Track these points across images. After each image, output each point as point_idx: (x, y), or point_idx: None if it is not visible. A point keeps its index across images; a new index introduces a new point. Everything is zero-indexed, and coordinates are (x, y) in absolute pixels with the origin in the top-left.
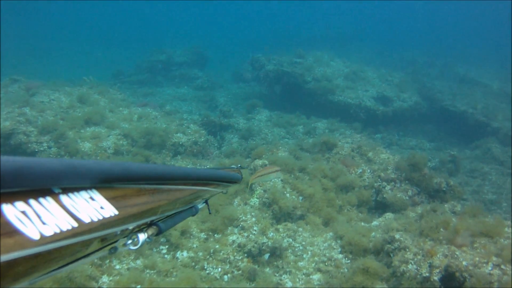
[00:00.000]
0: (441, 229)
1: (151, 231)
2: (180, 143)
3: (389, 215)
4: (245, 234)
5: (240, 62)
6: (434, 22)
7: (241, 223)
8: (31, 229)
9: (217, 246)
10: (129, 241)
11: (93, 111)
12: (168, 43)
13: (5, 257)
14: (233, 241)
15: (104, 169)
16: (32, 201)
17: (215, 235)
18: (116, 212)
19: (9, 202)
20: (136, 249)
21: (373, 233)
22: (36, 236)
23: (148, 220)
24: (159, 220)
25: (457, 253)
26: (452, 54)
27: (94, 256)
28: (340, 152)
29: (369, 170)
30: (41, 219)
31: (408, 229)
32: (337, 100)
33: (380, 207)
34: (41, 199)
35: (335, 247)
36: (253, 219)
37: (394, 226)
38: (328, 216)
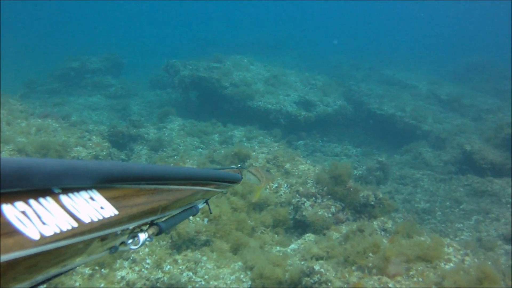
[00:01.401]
0: (370, 254)
1: (151, 230)
2: (79, 157)
3: (309, 237)
4: (136, 269)
5: (157, 69)
6: (359, 25)
7: (132, 255)
8: (31, 229)
9: (102, 285)
10: (130, 241)
11: None
12: (84, 49)
13: (5, 257)
14: (122, 278)
15: (104, 169)
16: (32, 201)
17: (102, 270)
18: (116, 212)
19: (9, 202)
20: (136, 248)
21: (289, 261)
22: (36, 236)
23: (148, 220)
24: (159, 220)
25: (390, 285)
26: (378, 58)
27: (94, 256)
28: (254, 164)
29: (286, 184)
30: (41, 219)
31: (331, 254)
32: (256, 106)
33: (300, 226)
34: (41, 199)
35: (244, 280)
36: (146, 249)
37: (315, 251)
38: (237, 241)
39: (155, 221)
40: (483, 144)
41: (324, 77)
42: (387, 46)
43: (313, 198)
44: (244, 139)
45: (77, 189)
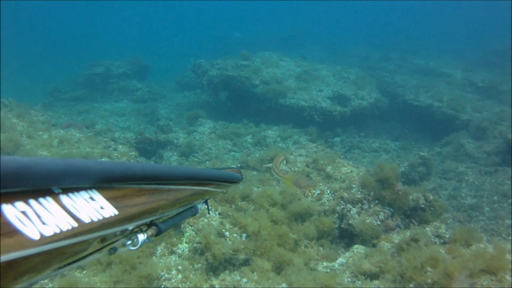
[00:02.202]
0: (428, 269)
1: (150, 231)
2: None
3: (358, 248)
4: None
5: (183, 70)
6: (381, 18)
7: (163, 283)
8: (31, 229)
9: None
10: (129, 242)
11: (6, 139)
12: (106, 54)
13: (5, 257)
14: None
15: (104, 169)
16: (32, 201)
17: None
18: (116, 212)
19: (9, 202)
20: (135, 249)
21: (339, 280)
22: (36, 236)
23: (148, 220)
24: (159, 220)
25: None
26: (406, 48)
27: (94, 256)
28: (292, 169)
29: (329, 191)
30: (41, 219)
31: (384, 269)
32: (289, 103)
33: (346, 235)
34: (41, 199)
35: None
36: (179, 275)
37: (366, 267)
38: (280, 258)
39: (154, 222)
40: None
41: (356, 70)
42: (413, 36)
43: (359, 204)
44: (279, 139)
45: (77, 189)
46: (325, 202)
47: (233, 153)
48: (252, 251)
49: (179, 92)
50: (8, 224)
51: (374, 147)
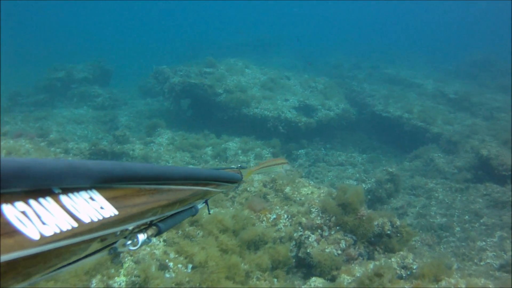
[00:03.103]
0: None
1: (150, 231)
2: None
3: (315, 282)
4: None
5: (147, 75)
6: (358, 25)
7: None
8: (31, 229)
9: None
10: (129, 242)
11: None
12: (68, 56)
13: (5, 257)
14: None
15: (104, 169)
16: (32, 201)
17: None
18: (116, 212)
19: (9, 202)
20: (135, 249)
21: None
22: (36, 236)
23: (148, 220)
24: (159, 220)
25: None
26: (379, 56)
27: (94, 257)
28: (248, 189)
29: (286, 215)
30: (41, 219)
31: None
32: (253, 113)
33: (303, 266)
34: (41, 199)
35: None
36: None
37: None
38: None
39: (155, 222)
40: (500, 148)
41: (325, 78)
42: (387, 45)
43: (319, 231)
44: (240, 151)
45: (77, 189)
46: (281, 228)
47: (191, 166)
48: (197, 285)
49: (142, 99)
50: (8, 224)
51: (340, 160)
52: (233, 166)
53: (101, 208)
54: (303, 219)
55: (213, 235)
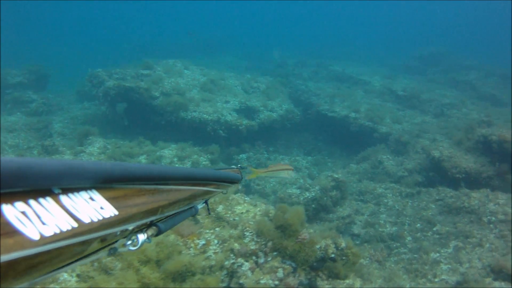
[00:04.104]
0: None
1: (150, 231)
2: None
3: None
4: None
5: (84, 78)
6: (302, 22)
7: None
8: (31, 229)
9: None
10: (129, 242)
11: None
12: (5, 61)
13: (5, 257)
14: None
15: (104, 170)
16: (32, 202)
17: None
18: (116, 212)
19: (9, 202)
20: (135, 249)
21: None
22: (36, 236)
23: (148, 220)
24: (159, 221)
25: None
26: (325, 53)
27: (94, 257)
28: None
29: (216, 240)
30: (41, 220)
31: None
32: (191, 117)
33: None
34: (41, 200)
35: None
36: None
37: None
38: None
39: (155, 222)
40: (453, 149)
41: (268, 78)
42: (334, 42)
43: (254, 257)
44: (176, 159)
45: (77, 189)
46: (211, 256)
47: None
48: None
49: (79, 103)
50: (8, 224)
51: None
52: (233, 166)
53: (101, 208)
54: (236, 244)
55: (133, 267)
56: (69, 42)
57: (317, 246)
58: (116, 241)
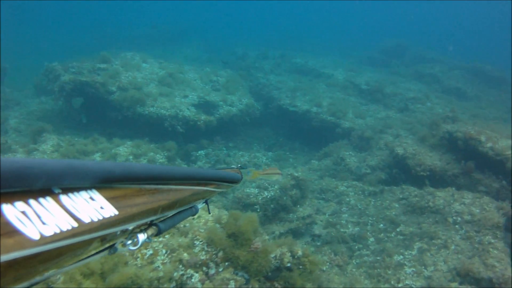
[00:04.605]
0: None
1: (150, 231)
2: None
3: None
4: None
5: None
6: (267, 13)
7: None
8: (31, 229)
9: None
10: (129, 242)
11: None
12: None
13: (5, 257)
14: None
15: (104, 169)
16: (32, 201)
17: None
18: (116, 212)
19: (9, 202)
20: (135, 249)
21: None
22: (36, 236)
23: (148, 220)
24: (159, 220)
25: None
26: (288, 45)
27: (94, 257)
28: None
29: (164, 250)
30: (41, 219)
31: None
32: (148, 113)
33: None
34: (41, 199)
35: None
36: None
37: None
38: None
39: (155, 222)
40: (417, 146)
41: (228, 71)
42: (298, 34)
43: (204, 268)
44: (131, 157)
45: (77, 189)
46: (159, 267)
47: None
48: None
49: (36, 98)
50: (8, 224)
51: (242, 161)
52: (233, 166)
53: (101, 208)
54: (185, 254)
55: (75, 281)
56: (28, 32)
57: (272, 255)
58: (116, 241)
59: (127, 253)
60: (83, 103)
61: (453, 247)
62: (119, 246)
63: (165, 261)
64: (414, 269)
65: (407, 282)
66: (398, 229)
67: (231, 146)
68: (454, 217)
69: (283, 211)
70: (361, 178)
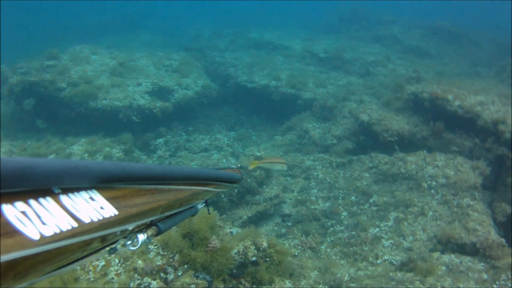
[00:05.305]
0: None
1: (150, 231)
2: None
3: None
4: None
5: None
6: None
7: None
8: (31, 229)
9: None
10: (129, 242)
11: None
12: None
13: (5, 257)
14: None
15: (104, 169)
16: (32, 201)
17: None
18: (116, 212)
19: (9, 202)
20: (135, 249)
21: None
22: (36, 236)
23: (148, 220)
24: (159, 220)
25: None
26: (242, 21)
27: (94, 257)
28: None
29: (117, 260)
30: (41, 219)
31: None
32: (101, 106)
33: None
34: (41, 199)
35: None
36: None
37: None
38: None
39: (155, 222)
40: (382, 111)
41: (181, 53)
42: (252, 9)
43: (162, 274)
44: (86, 155)
45: (77, 189)
46: (113, 278)
47: None
48: None
49: None
50: (8, 224)
51: (204, 145)
52: (233, 166)
53: (101, 208)
54: (139, 261)
55: None
56: None
57: (234, 251)
58: (116, 241)
59: (84, 266)
60: (35, 104)
61: (430, 213)
62: (119, 246)
63: (119, 271)
64: (392, 241)
65: (386, 258)
66: (371, 200)
67: (191, 130)
68: (429, 182)
69: (248, 194)
70: (328, 150)
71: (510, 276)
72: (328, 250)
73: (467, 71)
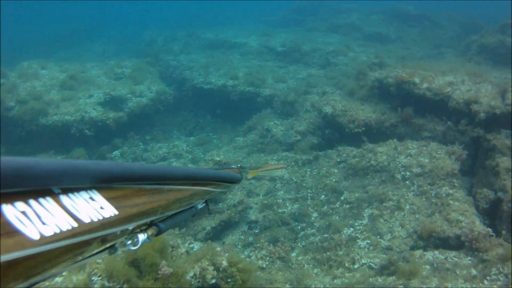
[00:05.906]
0: None
1: (150, 231)
2: None
3: None
4: None
5: None
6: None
7: None
8: (31, 229)
9: None
10: (129, 242)
11: None
12: None
13: (5, 257)
14: None
15: (104, 169)
16: (32, 201)
17: None
18: (116, 212)
19: (9, 202)
20: (135, 249)
21: None
22: (36, 236)
23: (148, 220)
24: (159, 220)
25: None
26: (196, 23)
27: (94, 257)
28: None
29: None
30: (41, 219)
31: None
32: (52, 122)
33: None
34: (41, 200)
35: None
36: None
37: None
38: None
39: (155, 222)
40: (346, 101)
41: (134, 60)
42: (205, 11)
43: None
44: None
45: (77, 189)
46: None
47: None
48: None
49: None
50: (8, 224)
51: (161, 154)
52: (233, 166)
53: (101, 208)
54: None
55: None
56: None
57: (190, 275)
58: (116, 241)
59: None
60: None
61: (407, 207)
62: (119, 246)
63: None
64: (368, 241)
65: (363, 261)
66: (342, 198)
67: (148, 139)
68: (402, 173)
69: (211, 202)
70: (292, 147)
71: (501, 269)
72: (300, 258)
73: (431, 53)
